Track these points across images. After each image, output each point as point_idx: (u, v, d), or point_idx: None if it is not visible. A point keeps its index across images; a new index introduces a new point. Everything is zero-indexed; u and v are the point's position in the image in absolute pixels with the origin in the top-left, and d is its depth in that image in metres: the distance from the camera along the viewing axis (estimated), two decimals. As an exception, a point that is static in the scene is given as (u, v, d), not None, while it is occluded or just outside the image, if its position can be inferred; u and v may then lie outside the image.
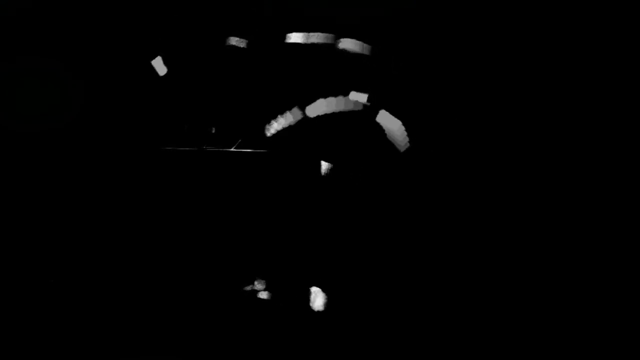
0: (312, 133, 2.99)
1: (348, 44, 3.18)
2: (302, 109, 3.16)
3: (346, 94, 2.99)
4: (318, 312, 2.87)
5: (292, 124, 3.07)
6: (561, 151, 3.77)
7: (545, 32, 3.76)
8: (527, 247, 3.67)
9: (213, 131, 3.62)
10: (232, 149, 3.59)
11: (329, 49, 3.00)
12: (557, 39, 3.76)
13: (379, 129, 3.02)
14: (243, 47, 3.72)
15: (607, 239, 3.61)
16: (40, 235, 3.56)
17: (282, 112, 3.11)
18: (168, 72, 3.77)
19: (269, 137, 3.16)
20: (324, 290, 2.94)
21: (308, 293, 2.93)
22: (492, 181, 3.82)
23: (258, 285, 3.10)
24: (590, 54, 3.73)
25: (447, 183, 3.85)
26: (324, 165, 2.93)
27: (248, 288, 3.11)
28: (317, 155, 3.00)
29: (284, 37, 3.21)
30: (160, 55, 3.75)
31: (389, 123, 3.03)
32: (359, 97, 3.01)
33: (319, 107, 2.91)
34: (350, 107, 2.99)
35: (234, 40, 3.62)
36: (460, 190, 3.85)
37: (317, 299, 2.88)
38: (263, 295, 3.06)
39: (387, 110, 3.12)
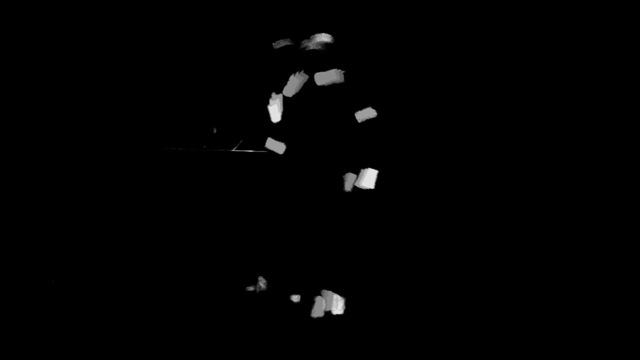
0: (312, 134, 3.00)
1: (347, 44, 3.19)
2: (302, 109, 3.17)
3: (345, 93, 3.00)
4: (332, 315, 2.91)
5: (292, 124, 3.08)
6: (559, 150, 3.79)
7: (544, 33, 3.78)
8: (525, 244, 3.69)
9: (215, 131, 3.63)
10: (233, 150, 3.60)
11: (328, 49, 3.01)
12: (556, 40, 3.78)
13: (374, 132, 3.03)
14: (244, 48, 3.72)
15: (605, 236, 3.63)
16: (40, 235, 3.57)
17: (282, 112, 3.11)
18: (168, 72, 3.78)
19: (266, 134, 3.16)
20: (324, 291, 2.96)
21: (309, 293, 2.95)
22: (491, 180, 3.83)
23: (260, 284, 3.10)
24: (589, 54, 3.75)
25: (446, 182, 3.87)
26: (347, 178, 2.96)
27: (250, 288, 3.12)
28: (317, 156, 3.01)
29: (283, 38, 3.21)
30: (161, 55, 3.76)
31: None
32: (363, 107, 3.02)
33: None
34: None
35: (238, 42, 3.63)
36: (459, 190, 3.86)
37: (337, 304, 2.92)
38: (265, 294, 3.07)
39: (386, 109, 3.12)
